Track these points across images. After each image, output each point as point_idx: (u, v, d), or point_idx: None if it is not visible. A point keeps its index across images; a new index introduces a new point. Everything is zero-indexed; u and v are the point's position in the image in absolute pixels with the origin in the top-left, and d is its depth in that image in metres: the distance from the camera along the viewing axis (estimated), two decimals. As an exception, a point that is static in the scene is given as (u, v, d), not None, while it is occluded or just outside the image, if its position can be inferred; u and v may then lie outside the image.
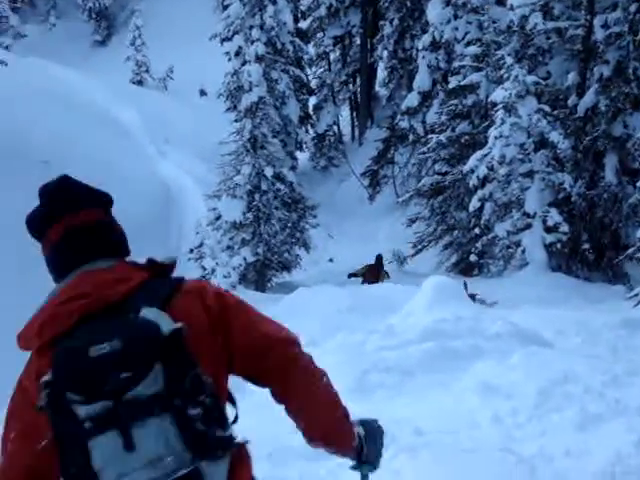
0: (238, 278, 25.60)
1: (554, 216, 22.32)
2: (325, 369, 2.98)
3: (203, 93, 51.87)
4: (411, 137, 33.88)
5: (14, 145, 29.63)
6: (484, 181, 23.88)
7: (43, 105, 34.28)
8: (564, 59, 24.94)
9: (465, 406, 7.64)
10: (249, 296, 17.89)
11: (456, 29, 29.31)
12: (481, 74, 26.46)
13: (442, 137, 28.06)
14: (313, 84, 41.26)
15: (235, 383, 2.84)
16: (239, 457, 2.67)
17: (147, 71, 55.61)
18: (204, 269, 24.46)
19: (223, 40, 37.56)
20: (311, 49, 41.24)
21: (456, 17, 29.41)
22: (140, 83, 54.77)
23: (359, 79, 42.39)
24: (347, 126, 43.86)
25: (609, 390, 7.69)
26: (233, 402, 2.82)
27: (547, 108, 22.91)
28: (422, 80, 32.07)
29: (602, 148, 23.53)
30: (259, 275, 28.30)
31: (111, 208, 2.95)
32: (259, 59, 30.96)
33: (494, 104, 23.64)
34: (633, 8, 22.48)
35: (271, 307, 13.74)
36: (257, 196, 28.11)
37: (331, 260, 32.49)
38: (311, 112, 41.06)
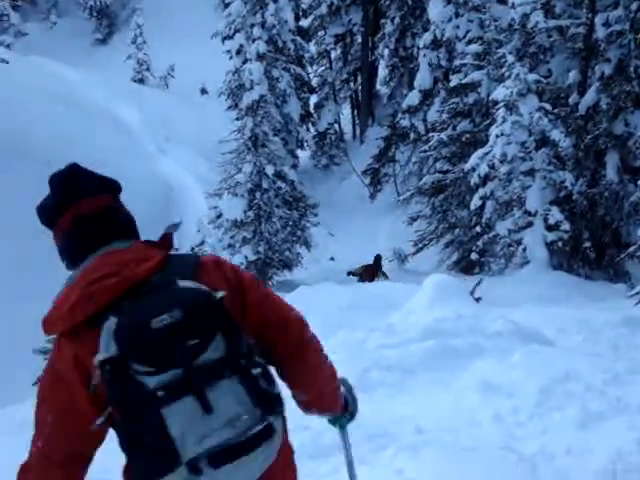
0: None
1: (555, 214, 22.29)
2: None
3: (204, 91, 51.87)
4: (412, 135, 33.83)
5: (14, 144, 29.68)
6: (485, 179, 23.85)
7: (44, 104, 34.30)
8: (565, 57, 24.90)
9: (466, 404, 7.64)
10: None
11: (457, 27, 29.27)
12: (482, 72, 26.42)
13: (443, 135, 28.03)
14: (314, 82, 41.29)
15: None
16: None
17: (148, 69, 55.61)
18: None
19: (224, 38, 37.53)
20: (312, 47, 41.24)
21: (457, 15, 29.37)
22: (141, 81, 54.77)
23: (360, 77, 42.37)
24: (348, 124, 43.86)
25: (610, 388, 7.68)
26: None
27: (548, 106, 22.87)
28: (423, 78, 32.06)
29: (603, 146, 23.50)
30: (260, 273, 28.31)
31: (119, 194, 3.05)
32: (260, 57, 30.99)
33: (495, 102, 23.60)
34: (634, 6, 22.43)
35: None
36: (258, 194, 28.10)
37: (332, 258, 32.50)
38: (312, 110, 41.10)
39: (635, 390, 7.62)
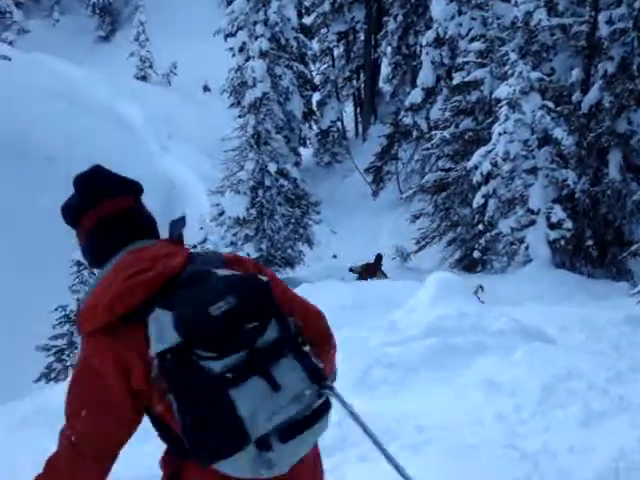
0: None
1: (558, 212, 22.30)
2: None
3: (207, 89, 51.90)
4: (415, 133, 33.84)
5: (17, 142, 29.69)
6: (488, 177, 23.86)
7: (46, 101, 34.31)
8: (568, 55, 24.91)
9: (468, 402, 7.63)
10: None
11: (460, 25, 29.27)
12: (485, 70, 26.42)
13: (446, 133, 28.03)
14: (317, 80, 41.26)
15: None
16: None
17: (151, 67, 55.66)
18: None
19: (227, 36, 37.52)
20: (315, 45, 41.18)
21: (460, 13, 29.37)
22: (144, 79, 54.80)
23: (363, 75, 42.39)
24: (351, 122, 43.87)
25: (613, 386, 7.67)
26: None
27: (551, 104, 22.88)
28: (426, 76, 32.05)
29: (606, 145, 23.50)
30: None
31: (141, 195, 3.16)
32: (263, 55, 30.97)
33: (498, 100, 23.62)
34: (638, 4, 22.41)
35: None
36: (260, 192, 28.12)
37: (335, 256, 32.49)
38: (315, 108, 41.08)
39: (638, 388, 7.61)
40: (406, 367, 8.80)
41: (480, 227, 25.25)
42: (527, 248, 22.72)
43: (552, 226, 22.38)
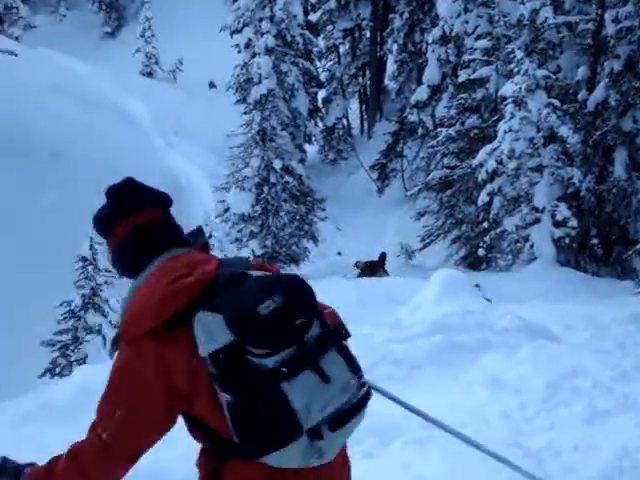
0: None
1: (563, 211, 22.28)
2: None
3: (212, 85, 51.84)
4: (420, 131, 33.81)
5: (21, 137, 29.69)
6: (493, 175, 23.84)
7: (52, 96, 34.32)
8: (574, 53, 24.89)
9: (473, 400, 7.64)
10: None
11: (466, 23, 29.22)
12: (491, 68, 26.39)
13: (451, 131, 28.01)
14: (322, 77, 41.18)
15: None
16: None
17: (157, 63, 55.60)
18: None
19: (233, 32, 37.50)
20: (321, 42, 41.15)
21: (466, 11, 29.31)
22: (150, 75, 54.77)
23: (368, 72, 42.32)
24: (356, 119, 43.84)
25: (618, 385, 7.68)
26: None
27: (557, 102, 22.86)
28: (432, 74, 32.00)
29: (612, 143, 23.50)
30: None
31: (170, 207, 3.31)
32: (269, 51, 30.96)
33: (504, 98, 23.60)
34: (644, 3, 22.43)
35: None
36: (266, 188, 28.12)
37: (339, 253, 32.47)
38: (320, 105, 41.05)
39: (642, 387, 7.63)
40: (411, 364, 8.81)
41: (485, 225, 25.24)
42: (532, 246, 22.71)
43: (557, 224, 22.37)
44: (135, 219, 3.14)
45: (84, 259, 20.39)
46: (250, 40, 33.87)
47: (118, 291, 20.64)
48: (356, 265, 25.36)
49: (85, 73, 43.19)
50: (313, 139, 39.92)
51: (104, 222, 3.21)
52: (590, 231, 24.23)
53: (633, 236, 23.81)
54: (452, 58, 31.24)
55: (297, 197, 29.97)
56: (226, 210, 28.62)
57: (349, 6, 40.62)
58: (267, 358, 2.76)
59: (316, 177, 34.45)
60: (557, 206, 22.37)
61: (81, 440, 2.95)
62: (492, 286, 18.81)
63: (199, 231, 3.32)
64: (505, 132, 22.85)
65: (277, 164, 28.03)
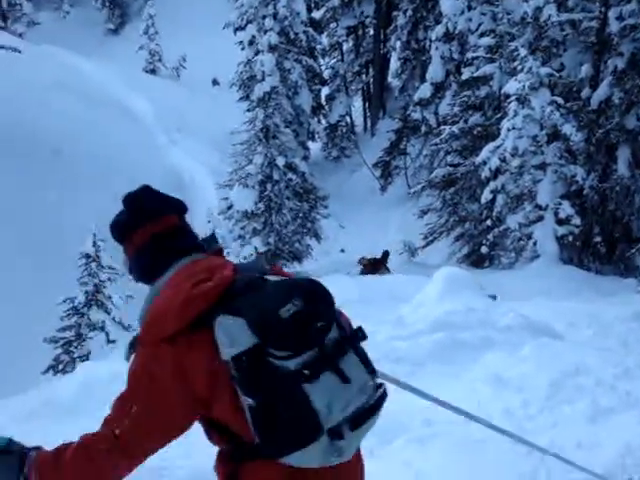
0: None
1: (566, 208, 22.27)
2: None
3: (216, 82, 51.91)
4: (423, 128, 33.85)
5: (24, 134, 29.71)
6: (496, 173, 23.82)
7: (55, 93, 34.37)
8: (578, 51, 24.85)
9: (476, 397, 7.62)
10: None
11: (470, 20, 29.21)
12: (494, 65, 26.37)
13: (454, 128, 27.99)
14: (326, 74, 41.23)
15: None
16: None
17: (160, 60, 55.71)
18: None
19: (236, 29, 37.53)
20: (324, 39, 41.18)
21: (470, 8, 29.32)
22: (153, 72, 54.85)
23: (372, 70, 42.35)
24: (359, 117, 43.85)
25: (620, 383, 7.67)
26: None
27: (560, 100, 22.83)
28: (435, 71, 32.00)
29: (615, 141, 23.47)
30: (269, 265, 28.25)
31: (185, 214, 3.38)
32: (272, 49, 30.94)
33: (507, 96, 23.57)
34: (648, 1, 22.40)
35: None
36: (269, 186, 28.15)
37: (342, 250, 32.48)
38: (323, 102, 41.10)
39: (645, 385, 7.62)
40: (413, 362, 8.82)
41: (488, 223, 25.25)
42: (535, 244, 22.69)
43: (560, 222, 22.35)
44: (152, 227, 3.20)
45: (87, 256, 20.44)
46: (253, 37, 33.87)
47: (121, 288, 20.69)
48: (360, 262, 25.38)
49: (88, 70, 43.27)
50: (316, 136, 39.99)
51: (121, 229, 3.26)
52: (593, 229, 24.23)
53: (636, 234, 23.82)
54: (455, 56, 31.23)
55: (300, 194, 29.99)
56: (229, 207, 28.65)
57: (352, 3, 40.67)
58: (289, 360, 2.81)
59: (319, 174, 34.46)
60: (560, 204, 22.36)
61: (93, 432, 2.96)
62: (495, 284, 18.78)
63: (213, 237, 3.43)
64: (508, 130, 22.83)
65: (280, 161, 28.05)
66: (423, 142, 34.83)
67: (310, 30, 37.29)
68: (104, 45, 62.59)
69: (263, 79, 28.92)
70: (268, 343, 2.81)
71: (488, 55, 27.02)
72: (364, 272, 24.05)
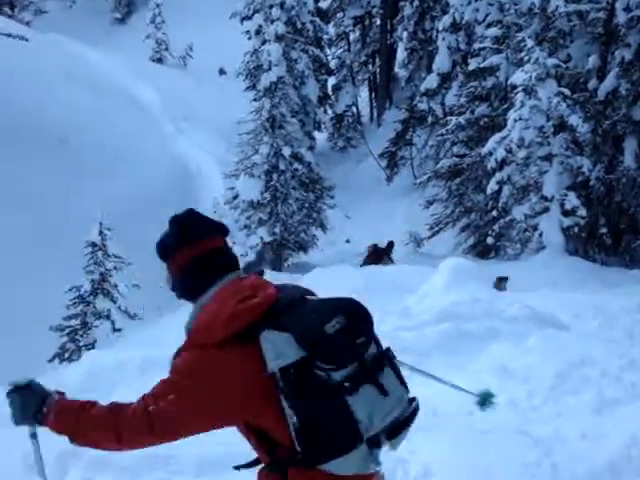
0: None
1: (572, 200, 22.24)
2: None
3: (222, 72, 51.84)
4: (430, 119, 33.80)
5: (30, 123, 29.70)
6: (502, 164, 23.80)
7: (62, 82, 34.34)
8: (585, 42, 24.81)
9: (481, 388, 7.64)
10: (267, 275, 17.85)
11: (477, 10, 29.14)
12: (501, 56, 26.34)
13: (461, 119, 27.97)
14: (332, 64, 41.18)
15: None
16: None
17: (167, 49, 55.63)
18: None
19: (243, 19, 37.55)
20: (331, 29, 41.11)
21: (477, -2, 29.29)
22: (160, 61, 54.78)
23: (378, 60, 42.26)
24: (366, 107, 43.79)
25: (626, 374, 7.68)
26: None
27: (567, 91, 22.79)
28: (442, 62, 31.95)
29: (622, 132, 23.44)
30: (275, 255, 28.30)
31: (227, 236, 3.56)
32: (279, 38, 30.87)
33: (514, 86, 23.54)
34: (656, -8, 22.34)
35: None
36: (275, 176, 28.13)
37: (348, 241, 32.48)
38: (330, 92, 41.03)
39: (651, 376, 7.62)
40: (419, 352, 8.82)
41: (494, 213, 25.23)
42: (541, 235, 22.68)
43: (566, 213, 22.33)
44: (194, 250, 3.37)
45: (93, 244, 20.45)
46: (260, 27, 33.79)
47: (127, 277, 20.73)
48: (368, 249, 25.28)
49: (95, 59, 43.23)
50: (322, 126, 39.95)
51: (166, 249, 3.45)
52: (599, 220, 24.21)
53: (642, 225, 23.81)
54: (462, 46, 31.18)
55: (306, 184, 29.97)
56: (235, 197, 28.64)
57: (359, -7, 40.60)
58: (334, 372, 3.03)
59: (325, 165, 34.44)
60: (566, 195, 22.34)
61: (126, 402, 3.16)
62: (500, 275, 18.80)
63: (257, 260, 3.66)
64: (515, 121, 22.80)
65: (286, 151, 28.03)
66: (429, 132, 34.77)
67: (317, 20, 37.26)
68: (111, 34, 62.53)
69: (270, 69, 28.87)
70: (316, 356, 3.03)
71: (495, 46, 26.98)
72: (366, 262, 23.95)
